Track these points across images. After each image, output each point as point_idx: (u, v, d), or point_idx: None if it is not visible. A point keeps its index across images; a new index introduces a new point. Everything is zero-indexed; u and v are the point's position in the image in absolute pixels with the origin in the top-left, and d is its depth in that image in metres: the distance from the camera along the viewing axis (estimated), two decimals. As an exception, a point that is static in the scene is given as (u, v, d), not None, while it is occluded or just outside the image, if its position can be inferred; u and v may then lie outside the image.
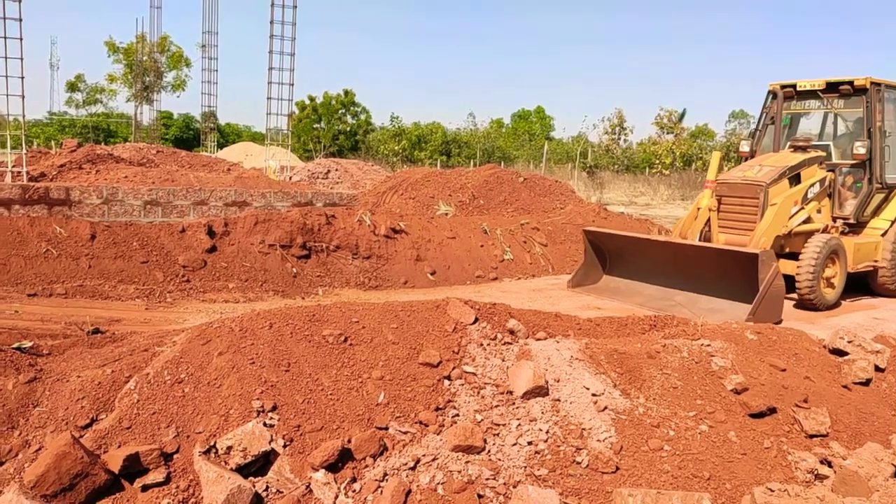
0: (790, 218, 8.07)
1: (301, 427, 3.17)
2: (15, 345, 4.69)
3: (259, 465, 3.03)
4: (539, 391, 3.49)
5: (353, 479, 3.00)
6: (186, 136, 38.63)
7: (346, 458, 3.05)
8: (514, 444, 3.18)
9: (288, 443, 3.09)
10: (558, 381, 3.60)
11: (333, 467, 3.00)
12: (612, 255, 8.64)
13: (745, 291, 6.80)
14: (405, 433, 3.20)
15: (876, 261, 8.82)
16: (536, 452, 3.15)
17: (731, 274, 7.10)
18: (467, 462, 3.07)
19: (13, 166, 9.88)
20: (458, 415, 3.35)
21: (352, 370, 3.56)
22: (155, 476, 2.85)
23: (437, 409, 3.36)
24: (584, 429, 3.31)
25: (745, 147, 9.66)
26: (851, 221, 8.80)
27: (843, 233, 8.70)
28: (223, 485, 2.77)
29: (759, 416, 3.64)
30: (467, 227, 10.68)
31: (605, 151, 41.57)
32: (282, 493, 2.94)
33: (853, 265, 8.39)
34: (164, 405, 3.27)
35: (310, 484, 2.94)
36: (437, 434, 3.22)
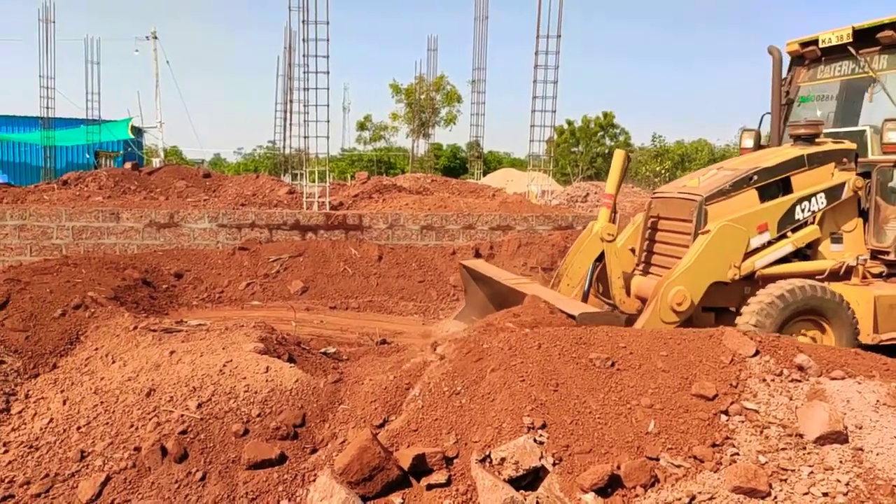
0: (750, 254, 5.23)
1: (569, 447, 3.22)
2: (322, 349, 5.50)
3: (528, 480, 3.14)
4: (836, 437, 3.10)
5: (623, 507, 2.96)
6: (453, 165, 41.66)
7: (616, 485, 3.02)
8: (806, 494, 2.86)
9: (557, 461, 3.15)
10: (860, 429, 3.16)
11: (602, 492, 2.99)
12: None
13: None
14: (678, 467, 3.07)
15: None
16: (834, 506, 2.80)
17: None
18: (749, 506, 2.84)
19: (319, 197, 11.61)
20: (737, 454, 3.12)
21: (619, 395, 3.52)
22: (438, 477, 3.12)
23: (714, 445, 3.16)
24: (895, 486, 2.85)
25: (747, 142, 6.53)
26: (893, 258, 5.56)
27: (881, 276, 5.61)
28: (497, 494, 2.93)
29: None
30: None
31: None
32: (551, 510, 3.01)
33: (874, 332, 5.26)
34: (444, 413, 3.56)
35: (579, 505, 2.96)
36: (714, 472, 3.03)
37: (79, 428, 3.85)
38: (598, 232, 5.60)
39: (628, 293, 5.79)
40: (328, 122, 11.40)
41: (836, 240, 5.63)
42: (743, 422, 3.30)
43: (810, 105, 6.58)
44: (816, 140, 5.73)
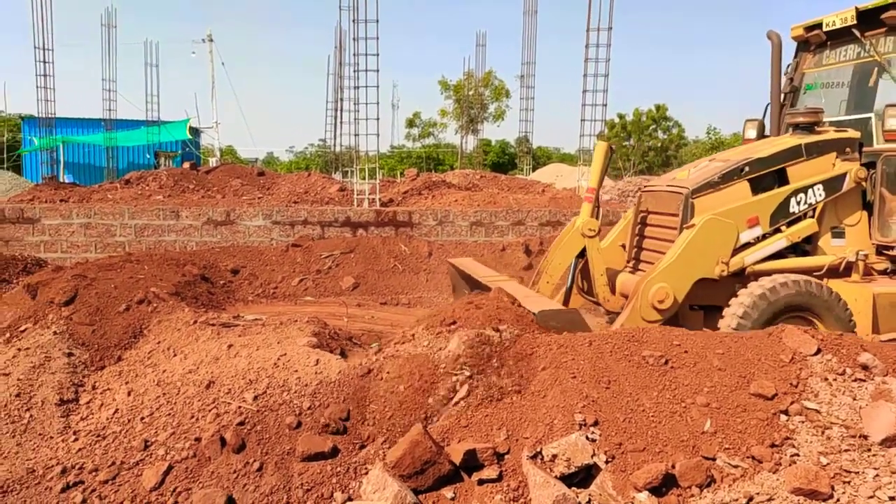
0: (739, 249, 4.96)
1: (622, 445, 3.19)
2: (372, 344, 5.58)
3: (580, 477, 3.12)
4: (904, 440, 2.98)
5: (677, 507, 2.91)
6: (502, 161, 41.54)
7: (670, 484, 2.97)
8: (871, 497, 2.76)
9: (610, 459, 3.13)
10: (931, 431, 3.02)
11: (656, 491, 2.94)
12: None
13: None
14: (735, 467, 3.00)
15: None
16: (902, 511, 2.69)
17: None
18: (810, 509, 2.75)
19: (369, 194, 11.74)
20: (797, 454, 3.03)
21: (673, 394, 3.46)
22: (489, 472, 3.13)
23: (773, 445, 3.08)
24: (969, 492, 2.72)
25: (750, 132, 6.12)
26: None
27: (886, 272, 5.28)
28: (549, 490, 2.92)
29: None
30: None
31: None
32: (603, 508, 2.98)
33: (874, 332, 4.90)
34: (495, 409, 3.56)
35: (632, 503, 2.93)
36: (773, 473, 2.95)
37: (142, 418, 4.00)
38: (579, 227, 5.42)
39: (613, 291, 5.56)
40: (378, 119, 11.54)
41: (838, 234, 5.29)
42: (803, 422, 3.20)
43: (816, 92, 6.26)
44: (817, 129, 5.40)
